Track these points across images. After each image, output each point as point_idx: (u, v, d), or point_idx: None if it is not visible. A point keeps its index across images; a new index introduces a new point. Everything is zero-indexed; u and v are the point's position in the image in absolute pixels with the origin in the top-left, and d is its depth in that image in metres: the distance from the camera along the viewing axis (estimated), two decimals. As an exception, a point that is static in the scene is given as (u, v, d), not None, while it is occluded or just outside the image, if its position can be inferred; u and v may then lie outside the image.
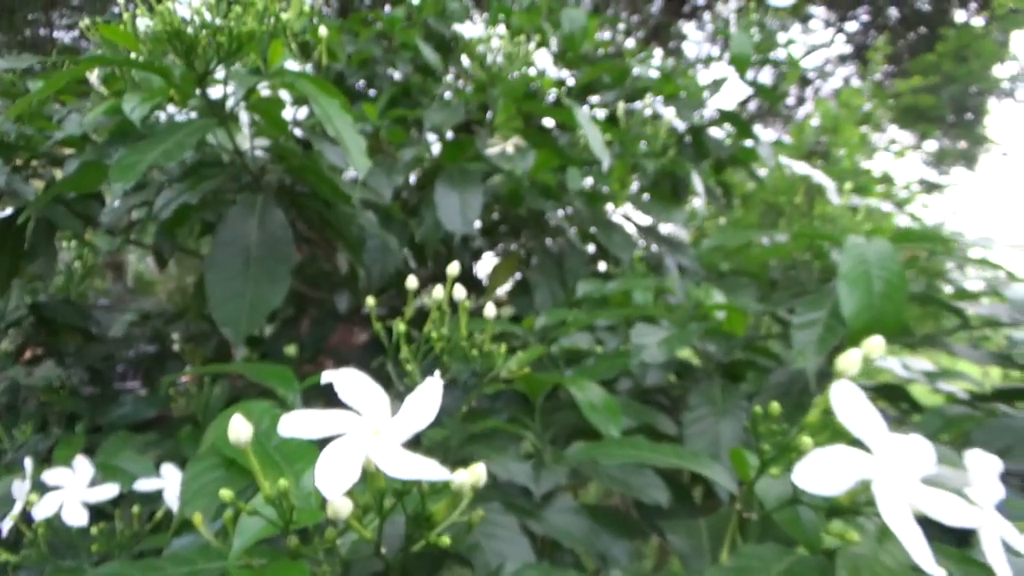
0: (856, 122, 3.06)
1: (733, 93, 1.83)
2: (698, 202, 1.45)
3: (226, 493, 0.36)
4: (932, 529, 0.40)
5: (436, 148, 1.45)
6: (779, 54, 1.85)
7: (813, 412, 0.38)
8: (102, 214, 1.11)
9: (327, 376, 0.36)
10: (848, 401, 0.34)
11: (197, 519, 0.40)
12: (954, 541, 0.41)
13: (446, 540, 0.36)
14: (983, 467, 0.36)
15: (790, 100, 8.94)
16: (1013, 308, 0.76)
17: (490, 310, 0.63)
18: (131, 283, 2.84)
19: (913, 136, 4.79)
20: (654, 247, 1.51)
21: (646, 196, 1.53)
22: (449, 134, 1.42)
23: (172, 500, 0.71)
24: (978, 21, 6.35)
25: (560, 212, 1.49)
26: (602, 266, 1.62)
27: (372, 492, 0.35)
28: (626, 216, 1.55)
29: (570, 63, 1.87)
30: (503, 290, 1.54)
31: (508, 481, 0.70)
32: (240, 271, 0.83)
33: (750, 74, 1.83)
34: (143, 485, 0.72)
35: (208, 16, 0.70)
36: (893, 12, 8.17)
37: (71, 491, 0.69)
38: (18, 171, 1.18)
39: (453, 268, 0.68)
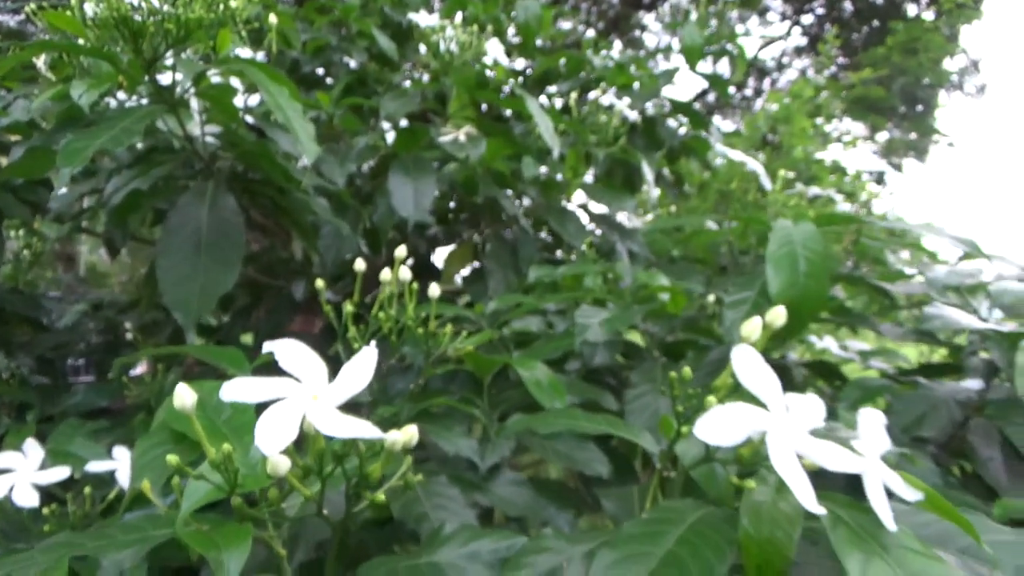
0: (809, 113, 3.14)
1: (689, 85, 1.88)
2: (649, 190, 1.49)
3: (172, 458, 0.38)
4: (829, 481, 0.44)
5: (391, 137, 1.47)
6: (732, 46, 1.90)
7: (722, 376, 0.42)
8: (51, 201, 1.11)
9: (268, 346, 0.39)
10: (747, 363, 0.37)
11: (145, 486, 0.43)
12: (851, 492, 0.45)
13: (381, 497, 0.39)
14: (870, 422, 0.40)
15: (748, 91, 9.11)
16: (930, 286, 0.82)
17: (434, 290, 0.66)
18: (83, 274, 2.80)
19: (864, 128, 4.93)
20: (607, 234, 1.55)
21: (596, 184, 1.56)
22: (404, 122, 1.44)
23: (124, 480, 0.72)
24: (929, 15, 6.54)
25: (516, 201, 1.51)
26: (559, 255, 1.65)
27: (312, 455, 0.38)
28: (581, 205, 1.59)
29: (526, 53, 1.90)
30: (459, 277, 1.57)
31: (456, 456, 0.73)
32: (191, 256, 0.85)
33: (707, 66, 1.88)
34: (95, 467, 0.73)
35: (156, 2, 0.71)
36: (847, 5, 8.37)
37: (22, 474, 0.70)
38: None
39: (401, 251, 0.70)
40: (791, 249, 0.70)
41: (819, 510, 0.34)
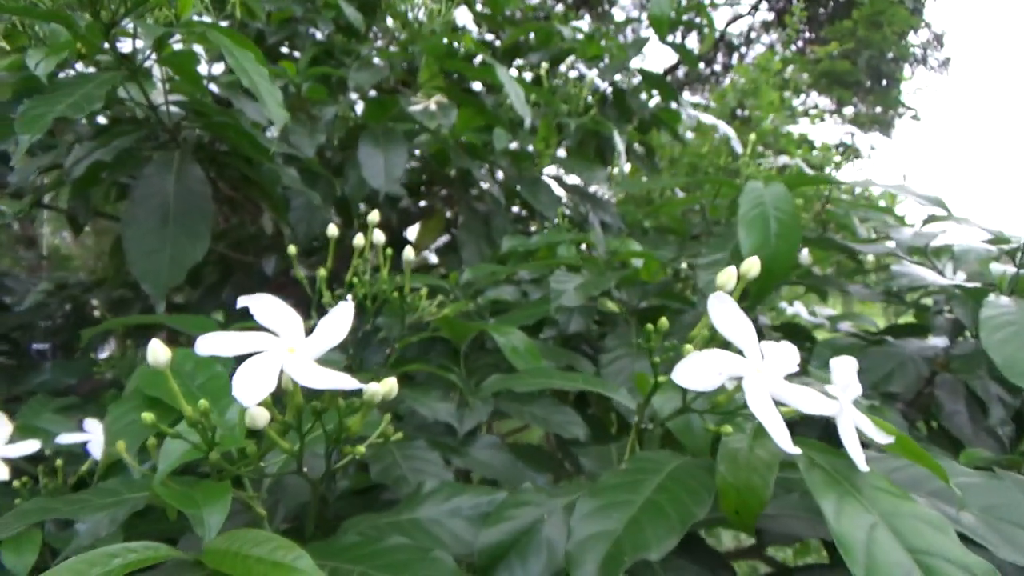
0: (776, 86, 3.16)
1: (658, 61, 1.87)
2: (620, 161, 1.49)
3: (147, 416, 0.38)
4: (804, 430, 0.45)
5: (360, 108, 1.45)
6: (701, 18, 1.89)
7: (698, 327, 0.42)
8: (10, 175, 1.08)
9: (243, 301, 0.38)
10: (722, 309, 0.38)
11: (120, 447, 0.42)
12: (826, 438, 0.46)
13: (361, 449, 0.39)
14: (843, 369, 0.41)
15: (716, 67, 9.14)
16: (898, 247, 0.83)
17: (408, 253, 0.65)
18: (46, 257, 2.74)
19: (831, 101, 4.98)
20: (580, 206, 1.55)
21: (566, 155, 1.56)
22: (372, 93, 1.42)
23: (97, 452, 0.71)
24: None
25: (488, 173, 1.51)
26: (532, 229, 1.65)
27: (291, 410, 0.38)
28: (553, 176, 1.59)
29: (495, 24, 1.88)
30: (432, 249, 1.56)
31: (433, 423, 0.73)
32: (158, 227, 0.83)
33: (675, 39, 1.88)
34: (66, 438, 0.72)
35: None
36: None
37: (-9, 447, 0.69)
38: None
39: (374, 216, 0.70)
40: (762, 210, 0.70)
41: (795, 450, 0.35)
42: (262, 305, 0.37)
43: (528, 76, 1.77)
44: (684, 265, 1.23)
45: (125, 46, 0.88)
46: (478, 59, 1.54)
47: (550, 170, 1.60)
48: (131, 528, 0.56)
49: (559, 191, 1.52)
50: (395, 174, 1.14)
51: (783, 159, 1.59)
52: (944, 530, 0.36)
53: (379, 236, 0.65)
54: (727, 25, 9.00)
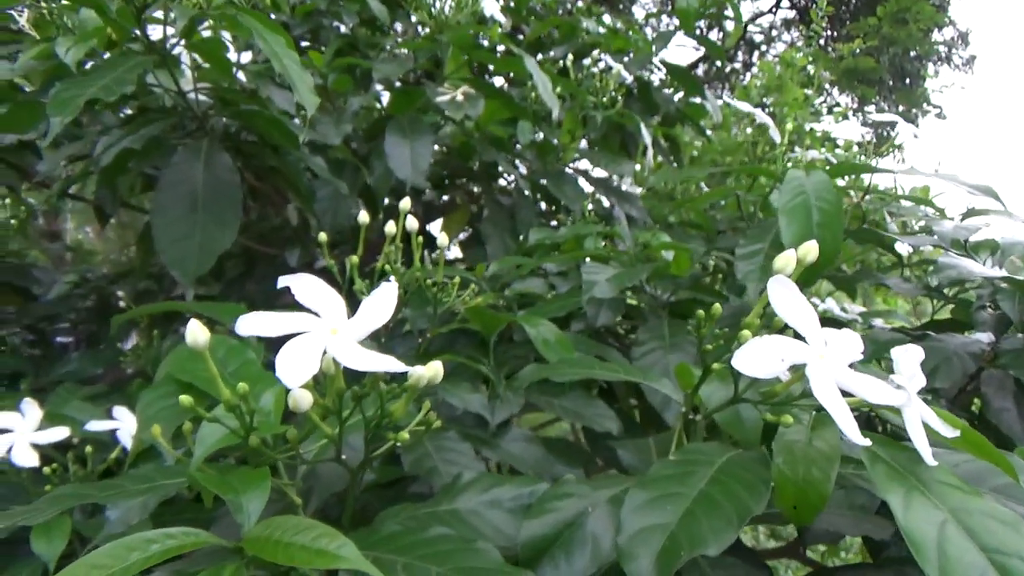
0: (800, 83, 3.12)
1: (680, 58, 1.85)
2: (646, 155, 1.47)
3: (185, 399, 0.36)
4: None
5: (385, 100, 1.44)
6: (729, 9, 1.87)
7: (752, 314, 0.40)
8: (39, 163, 1.08)
9: (283, 280, 0.37)
10: (784, 293, 0.36)
11: (156, 431, 0.41)
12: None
13: (405, 436, 0.37)
14: (907, 359, 0.39)
15: (737, 64, 9.06)
16: (940, 240, 0.80)
17: (443, 239, 0.64)
18: (72, 249, 2.75)
19: (852, 99, 4.91)
20: (605, 199, 1.53)
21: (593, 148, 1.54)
22: (397, 84, 1.41)
23: (126, 439, 0.70)
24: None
25: (512, 165, 1.49)
26: (554, 223, 1.63)
27: (331, 394, 0.36)
28: (577, 169, 1.57)
29: (519, 18, 1.86)
30: (455, 242, 1.55)
31: (463, 415, 0.72)
32: (187, 214, 0.82)
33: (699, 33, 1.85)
34: (95, 426, 0.71)
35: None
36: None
37: (20, 434, 0.68)
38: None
39: (405, 203, 0.68)
40: (804, 199, 0.68)
41: (864, 441, 0.33)
42: (304, 285, 0.36)
43: (552, 71, 1.75)
44: (712, 261, 1.20)
45: (155, 33, 0.88)
46: (500, 49, 1.52)
47: (573, 162, 1.58)
48: (157, 517, 0.55)
49: (584, 184, 1.50)
50: (421, 165, 1.12)
51: (812, 153, 1.56)
52: (1018, 528, 0.34)
53: (413, 223, 0.63)
54: (748, 23, 8.91)
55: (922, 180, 0.82)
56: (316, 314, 0.35)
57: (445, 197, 1.67)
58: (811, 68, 3.30)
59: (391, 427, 0.37)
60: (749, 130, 2.25)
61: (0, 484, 0.71)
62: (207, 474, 0.38)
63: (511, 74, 1.60)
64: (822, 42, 8.20)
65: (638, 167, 1.74)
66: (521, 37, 1.86)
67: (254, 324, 0.33)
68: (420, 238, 0.68)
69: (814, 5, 3.25)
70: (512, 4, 1.80)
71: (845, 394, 0.35)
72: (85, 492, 0.44)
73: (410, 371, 0.34)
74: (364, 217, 0.69)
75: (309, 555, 0.31)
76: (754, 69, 8.70)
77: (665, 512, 0.36)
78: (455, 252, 1.66)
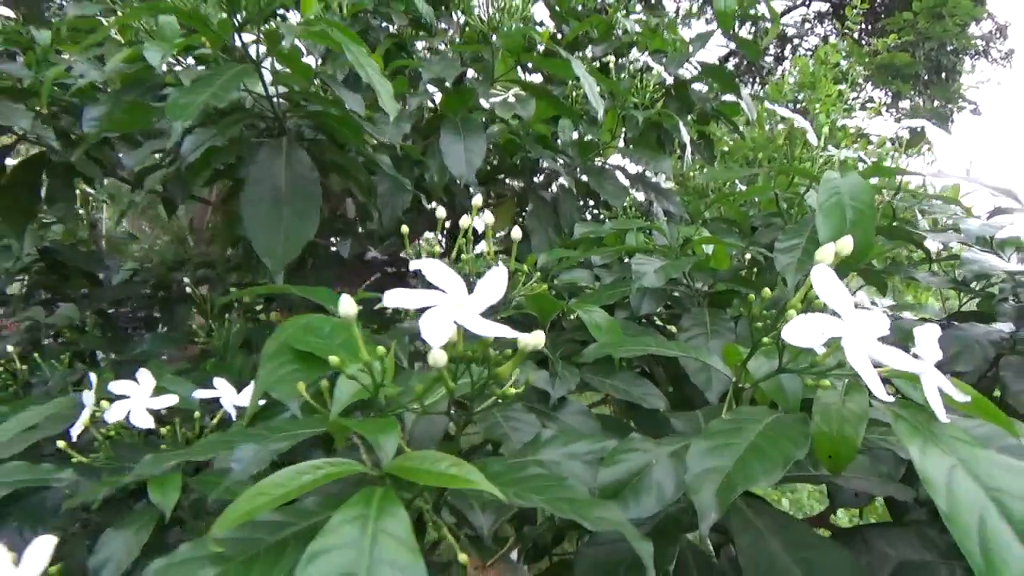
0: (834, 79, 3.16)
1: (710, 52, 1.91)
2: (685, 153, 1.54)
3: (334, 359, 0.45)
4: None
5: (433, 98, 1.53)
6: (765, 9, 1.93)
7: (795, 298, 0.48)
8: (128, 156, 1.18)
9: (414, 264, 0.45)
10: (824, 279, 0.44)
11: (300, 387, 0.50)
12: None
13: (512, 391, 0.46)
14: (926, 335, 0.47)
15: (769, 58, 9.04)
16: (966, 237, 0.87)
17: (516, 233, 0.72)
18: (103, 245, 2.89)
19: (886, 94, 4.91)
20: (643, 194, 1.61)
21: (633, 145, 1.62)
22: (447, 84, 1.49)
23: (228, 406, 0.80)
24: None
25: (556, 162, 1.57)
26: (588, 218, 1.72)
27: (458, 354, 0.45)
28: (615, 166, 1.64)
29: (560, 19, 1.94)
30: (501, 235, 1.64)
31: (527, 390, 0.81)
32: (273, 208, 0.92)
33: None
34: (201, 394, 0.81)
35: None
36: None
37: (136, 400, 0.78)
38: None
39: (477, 200, 0.77)
40: (839, 199, 0.76)
41: (888, 398, 0.41)
42: (432, 268, 0.44)
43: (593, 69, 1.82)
44: (748, 256, 1.28)
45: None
46: (540, 48, 1.60)
47: (613, 159, 1.66)
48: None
49: (623, 180, 1.58)
50: (475, 163, 1.21)
51: (845, 152, 1.63)
52: (1016, 472, 0.42)
53: (490, 217, 0.72)
54: (781, 16, 8.87)
55: (950, 181, 0.89)
56: (443, 291, 0.43)
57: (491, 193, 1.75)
58: (845, 64, 3.34)
59: (499, 384, 0.46)
60: (781, 126, 2.32)
61: (119, 445, 0.81)
62: (347, 420, 0.47)
63: (549, 72, 1.67)
64: (856, 35, 8.15)
65: (680, 162, 1.81)
66: (559, 36, 1.93)
67: (397, 298, 0.42)
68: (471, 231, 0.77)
69: (851, 1, 3.30)
70: (556, 7, 1.88)
71: (874, 364, 0.43)
72: (232, 439, 0.54)
73: (520, 337, 0.42)
74: (442, 212, 0.78)
75: (444, 478, 0.40)
76: (786, 63, 8.68)
77: (723, 457, 0.44)
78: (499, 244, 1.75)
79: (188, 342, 1.45)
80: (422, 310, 0.41)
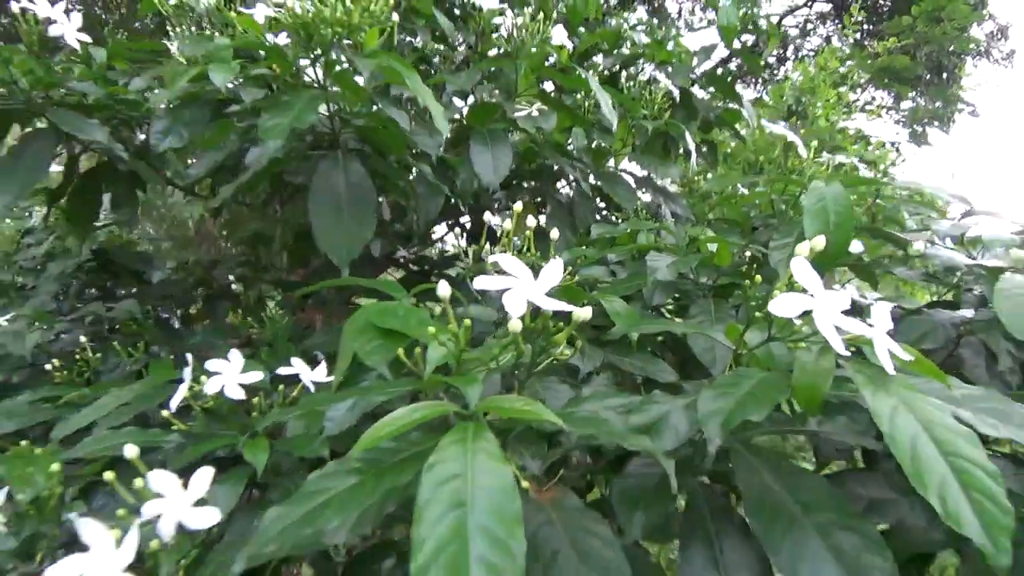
0: (834, 83, 3.32)
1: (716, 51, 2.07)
2: (692, 159, 1.70)
3: (431, 331, 0.61)
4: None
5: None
6: (764, 22, 2.09)
7: (780, 283, 0.64)
8: (191, 166, 1.34)
9: (492, 258, 0.61)
10: (801, 268, 0.59)
11: (401, 352, 0.65)
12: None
13: (567, 353, 0.62)
14: (879, 310, 0.62)
15: (772, 58, 9.20)
16: (938, 236, 1.03)
17: (555, 233, 0.88)
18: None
19: (888, 96, 5.08)
20: (650, 196, 1.77)
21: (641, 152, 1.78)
22: (471, 99, 1.65)
23: (307, 380, 0.95)
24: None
25: (572, 168, 1.73)
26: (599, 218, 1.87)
27: (527, 325, 0.60)
28: (625, 171, 1.80)
29: (572, 31, 2.10)
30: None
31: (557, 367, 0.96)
32: (335, 213, 1.07)
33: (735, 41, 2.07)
34: (283, 371, 0.96)
35: (327, 12, 0.93)
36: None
37: (229, 375, 0.94)
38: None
39: (518, 206, 0.93)
40: (824, 204, 0.91)
41: (846, 353, 0.56)
42: (506, 260, 0.60)
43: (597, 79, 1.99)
44: (748, 253, 1.43)
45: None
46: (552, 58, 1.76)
47: (622, 164, 1.82)
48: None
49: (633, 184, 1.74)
50: (502, 170, 1.36)
51: (840, 157, 1.78)
52: (942, 409, 0.57)
53: (531, 221, 0.87)
54: (783, 17, 9.05)
55: (927, 188, 1.05)
56: (515, 277, 0.59)
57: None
58: (845, 67, 3.49)
59: (555, 347, 0.62)
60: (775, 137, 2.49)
61: (212, 414, 0.97)
62: (440, 377, 0.62)
63: (565, 85, 1.83)
64: (859, 35, 8.31)
65: (685, 167, 1.97)
66: (572, 48, 2.09)
67: (483, 283, 0.57)
68: (530, 232, 0.92)
69: (851, 8, 3.46)
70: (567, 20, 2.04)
71: (838, 330, 0.59)
72: (322, 400, 0.69)
73: (576, 310, 0.58)
74: (488, 216, 0.94)
75: (520, 412, 0.55)
76: (788, 64, 8.85)
77: (726, 400, 0.60)
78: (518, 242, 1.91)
79: (234, 334, 1.61)
80: (485, 292, 0.57)
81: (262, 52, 1.11)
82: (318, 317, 1.78)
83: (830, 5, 8.70)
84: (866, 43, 6.65)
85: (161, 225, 2.23)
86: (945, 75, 6.20)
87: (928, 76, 6.12)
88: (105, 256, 1.79)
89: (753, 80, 8.91)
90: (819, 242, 0.64)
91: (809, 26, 8.99)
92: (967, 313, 1.00)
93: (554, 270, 0.60)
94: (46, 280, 1.77)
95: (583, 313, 0.58)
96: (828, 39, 8.61)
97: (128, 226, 1.49)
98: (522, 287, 0.58)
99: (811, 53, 8.63)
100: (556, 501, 0.65)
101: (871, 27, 7.78)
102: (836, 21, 8.56)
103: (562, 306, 0.57)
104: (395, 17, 1.14)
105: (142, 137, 1.54)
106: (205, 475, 0.65)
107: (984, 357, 0.92)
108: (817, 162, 1.42)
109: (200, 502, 0.64)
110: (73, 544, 0.60)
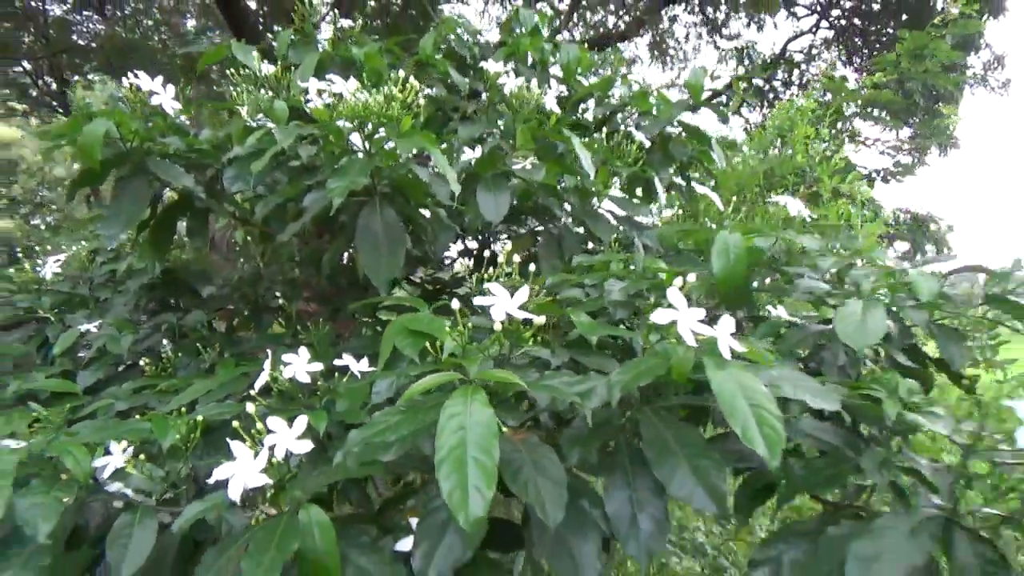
0: (815, 119, 3.74)
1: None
2: (660, 200, 2.12)
3: (446, 331, 1.03)
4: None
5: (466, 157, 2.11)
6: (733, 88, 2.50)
7: (664, 304, 1.06)
8: (258, 208, 1.77)
9: (488, 286, 1.03)
10: (673, 293, 1.01)
11: (428, 345, 1.07)
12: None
13: (532, 347, 1.03)
14: (725, 321, 1.03)
15: (777, 83, 9.66)
16: (818, 272, 1.45)
17: (532, 267, 1.30)
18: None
19: (876, 128, 5.49)
20: (628, 231, 2.19)
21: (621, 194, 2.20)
22: (477, 150, 2.08)
23: (354, 370, 1.37)
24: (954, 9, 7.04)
25: (561, 208, 2.15)
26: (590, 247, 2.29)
27: (505, 327, 1.02)
28: (607, 210, 2.22)
29: (566, 83, 2.53)
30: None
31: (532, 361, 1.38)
32: (375, 248, 1.50)
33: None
34: (338, 363, 1.38)
35: (371, 103, 1.36)
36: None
37: (298, 365, 1.35)
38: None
39: (509, 245, 1.35)
40: (726, 247, 1.33)
41: (693, 343, 0.98)
42: (493, 287, 1.01)
43: (588, 116, 2.42)
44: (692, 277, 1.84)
45: (354, 138, 1.56)
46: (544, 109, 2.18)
47: (605, 204, 2.23)
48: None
49: (612, 220, 2.16)
50: (502, 211, 1.78)
51: (787, 199, 2.20)
52: (769, 398, 0.98)
53: (518, 257, 1.29)
54: (788, 42, 9.52)
55: (794, 239, 1.46)
56: (498, 296, 1.01)
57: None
58: (823, 108, 3.92)
59: (524, 342, 1.03)
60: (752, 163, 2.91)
61: (285, 394, 1.39)
62: (452, 359, 1.04)
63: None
64: (858, 63, 8.74)
65: (655, 207, 2.39)
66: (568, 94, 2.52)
67: (480, 301, 0.99)
68: (517, 259, 1.34)
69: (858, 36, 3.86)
70: (562, 75, 2.47)
71: (693, 332, 1.00)
72: (371, 378, 1.11)
73: (534, 318, 0.99)
74: (473, 244, 1.36)
75: (502, 378, 0.96)
76: (794, 88, 9.30)
77: (627, 375, 1.01)
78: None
79: (278, 340, 2.03)
80: (487, 306, 0.99)
81: (314, 118, 1.54)
82: (345, 327, 2.20)
83: (833, 32, 9.16)
84: (863, 71, 7.07)
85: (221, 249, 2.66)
86: (940, 102, 6.62)
87: (923, 101, 6.55)
88: (172, 274, 2.22)
89: (760, 104, 9.35)
90: (691, 280, 1.05)
91: (814, 51, 9.45)
92: (826, 327, 1.41)
93: (522, 293, 1.02)
94: (122, 294, 2.20)
95: (540, 320, 1.00)
96: (833, 64, 9.06)
97: (199, 252, 1.92)
98: (502, 303, 1.00)
99: (816, 76, 9.07)
100: (524, 440, 1.07)
101: (871, 51, 8.22)
102: (839, 46, 9.01)
103: (527, 315, 0.98)
104: (413, 81, 1.57)
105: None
106: (303, 420, 1.07)
107: (833, 357, 1.33)
108: (768, 202, 1.84)
109: (301, 437, 1.06)
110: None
